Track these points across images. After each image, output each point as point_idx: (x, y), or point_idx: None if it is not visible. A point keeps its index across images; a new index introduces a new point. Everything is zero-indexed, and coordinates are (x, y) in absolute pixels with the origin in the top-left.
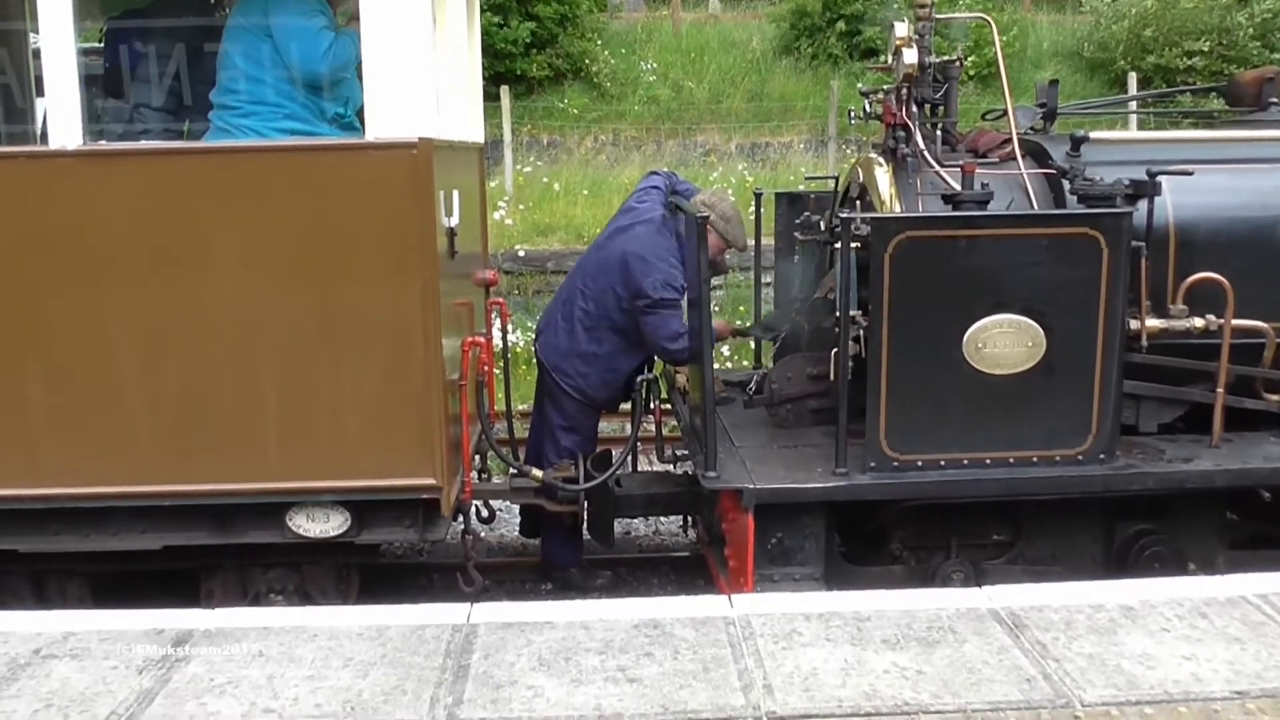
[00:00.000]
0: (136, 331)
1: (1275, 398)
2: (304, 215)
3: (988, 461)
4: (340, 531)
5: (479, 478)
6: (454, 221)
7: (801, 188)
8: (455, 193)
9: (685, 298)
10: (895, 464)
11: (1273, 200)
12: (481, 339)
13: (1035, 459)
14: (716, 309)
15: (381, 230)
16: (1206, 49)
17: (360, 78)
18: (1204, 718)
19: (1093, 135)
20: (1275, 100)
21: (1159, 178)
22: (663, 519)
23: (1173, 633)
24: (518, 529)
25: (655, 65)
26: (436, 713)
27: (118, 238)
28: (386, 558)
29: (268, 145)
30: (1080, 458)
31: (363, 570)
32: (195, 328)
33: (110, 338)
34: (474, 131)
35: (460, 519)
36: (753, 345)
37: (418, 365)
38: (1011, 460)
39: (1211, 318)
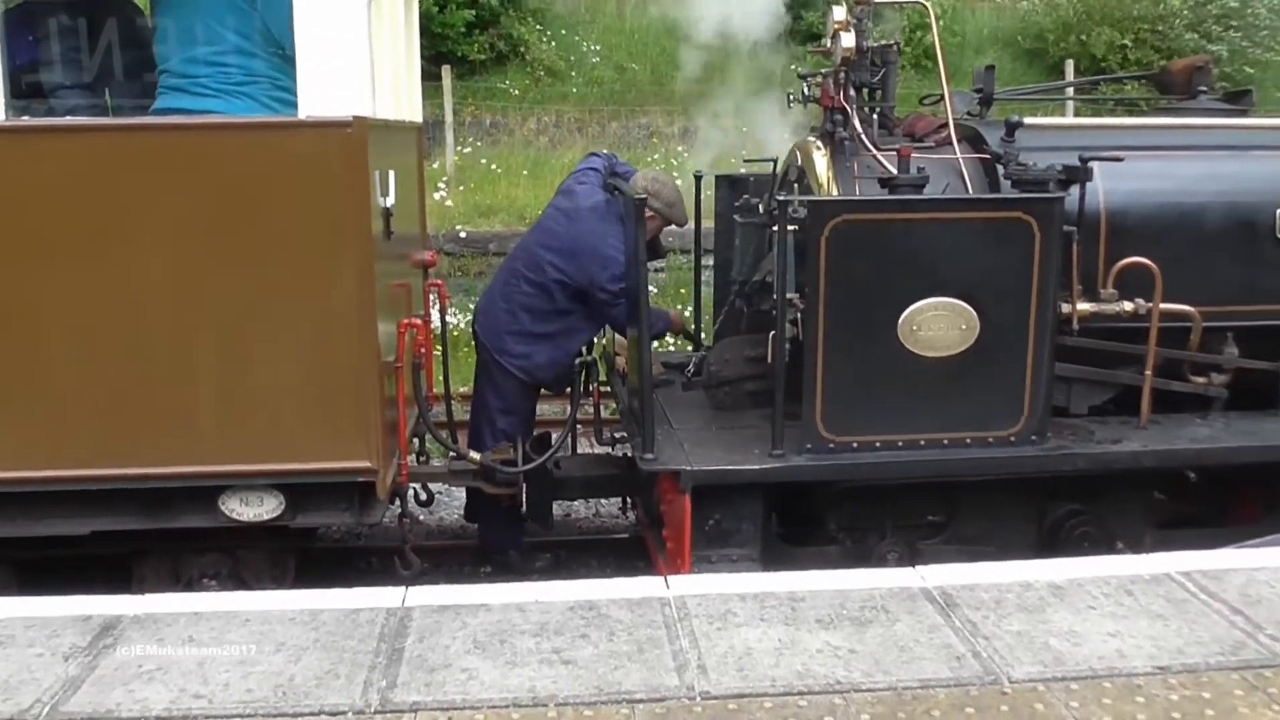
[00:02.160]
0: (64, 312)
1: (1201, 380)
2: (236, 194)
3: (922, 443)
4: (274, 515)
5: (418, 460)
6: (390, 202)
7: (742, 170)
8: (391, 173)
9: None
10: (831, 445)
11: (1200, 187)
12: (419, 321)
13: (969, 440)
14: (655, 291)
15: (315, 210)
16: (1130, 43)
17: None
18: (1127, 693)
19: (1027, 121)
20: (1204, 89)
21: (1091, 163)
22: (602, 501)
23: (1099, 610)
24: (461, 512)
25: (598, 47)
26: (370, 696)
27: (44, 216)
28: (325, 541)
29: (198, 122)
30: (1012, 439)
31: (300, 554)
32: (124, 308)
33: (36, 318)
34: (412, 111)
35: (397, 502)
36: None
37: (353, 347)
38: (945, 442)
39: (1141, 301)
